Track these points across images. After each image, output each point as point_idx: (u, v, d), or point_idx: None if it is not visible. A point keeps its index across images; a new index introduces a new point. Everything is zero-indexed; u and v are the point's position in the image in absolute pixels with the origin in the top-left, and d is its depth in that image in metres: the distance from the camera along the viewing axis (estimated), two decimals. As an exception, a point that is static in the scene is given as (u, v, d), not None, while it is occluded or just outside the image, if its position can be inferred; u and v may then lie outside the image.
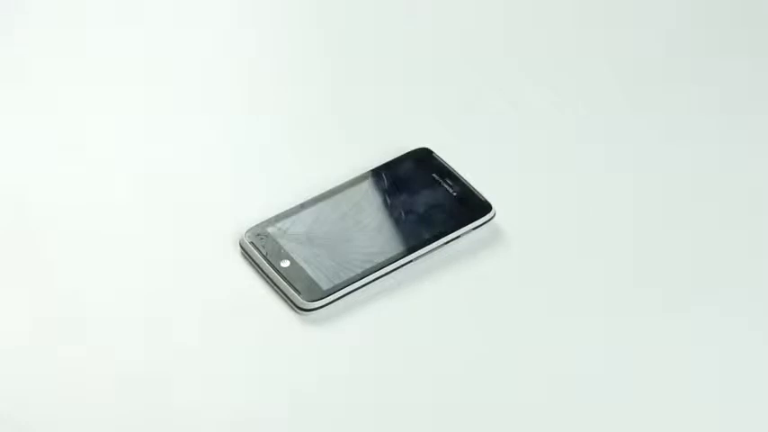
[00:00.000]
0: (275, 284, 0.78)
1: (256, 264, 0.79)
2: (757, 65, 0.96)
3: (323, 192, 0.84)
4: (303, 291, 0.78)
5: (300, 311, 0.77)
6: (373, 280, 0.79)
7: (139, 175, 0.86)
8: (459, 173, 0.85)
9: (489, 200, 0.83)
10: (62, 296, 0.78)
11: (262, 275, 0.79)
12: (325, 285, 0.78)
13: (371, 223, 0.82)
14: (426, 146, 0.87)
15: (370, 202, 0.84)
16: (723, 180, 0.87)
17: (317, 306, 0.77)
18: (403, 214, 0.83)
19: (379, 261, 0.79)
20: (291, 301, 0.78)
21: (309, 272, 0.79)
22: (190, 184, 0.85)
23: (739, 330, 0.78)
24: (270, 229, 0.81)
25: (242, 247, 0.80)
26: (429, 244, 0.81)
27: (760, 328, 0.79)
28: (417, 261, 0.80)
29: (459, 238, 0.82)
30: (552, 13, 1.00)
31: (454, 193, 0.84)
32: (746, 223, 0.85)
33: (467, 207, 0.83)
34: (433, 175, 0.85)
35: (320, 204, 0.83)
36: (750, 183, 0.87)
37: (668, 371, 0.76)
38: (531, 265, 0.81)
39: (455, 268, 0.81)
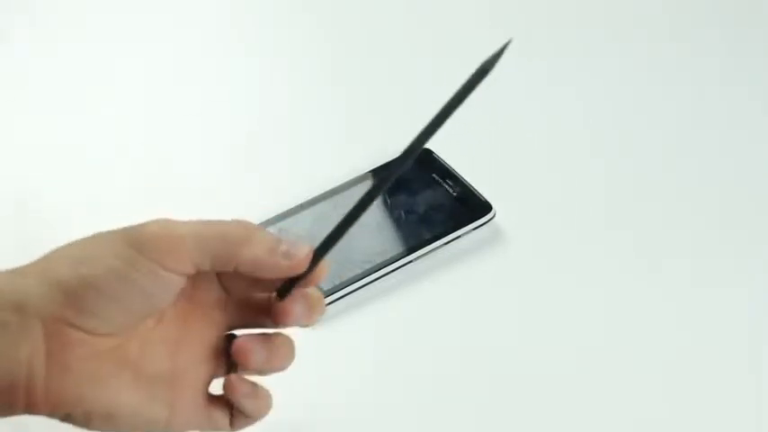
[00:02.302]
0: (275, 284, 0.78)
1: (256, 264, 0.79)
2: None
3: (323, 192, 0.84)
4: (303, 291, 0.77)
5: (300, 311, 0.77)
6: (373, 280, 0.79)
7: (139, 176, 0.86)
8: (459, 173, 0.85)
9: (489, 200, 0.83)
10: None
11: (262, 275, 0.79)
12: (325, 285, 0.78)
13: (372, 223, 0.82)
14: (426, 146, 0.87)
15: (370, 202, 0.84)
16: (725, 178, 0.87)
17: (317, 306, 0.77)
18: (403, 214, 0.83)
19: (380, 261, 0.79)
20: (291, 301, 0.77)
21: (309, 272, 0.79)
22: (190, 185, 0.85)
23: (741, 332, 0.78)
24: (270, 229, 0.81)
25: (242, 247, 0.80)
26: (429, 244, 0.81)
27: (762, 326, 0.79)
28: (417, 261, 0.80)
29: (460, 239, 0.82)
30: (554, 15, 1.00)
31: (454, 194, 0.84)
32: (749, 222, 0.85)
33: (467, 207, 0.83)
34: (434, 175, 0.85)
35: (320, 204, 0.83)
36: (755, 189, 0.87)
37: (669, 371, 0.76)
38: (531, 265, 0.81)
39: (455, 268, 0.81)
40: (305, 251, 0.58)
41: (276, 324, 0.60)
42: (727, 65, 0.97)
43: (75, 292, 0.54)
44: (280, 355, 0.61)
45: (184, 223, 0.57)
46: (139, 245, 0.55)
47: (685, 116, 0.92)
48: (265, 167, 0.88)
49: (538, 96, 0.93)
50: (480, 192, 0.84)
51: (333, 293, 0.77)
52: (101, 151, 0.88)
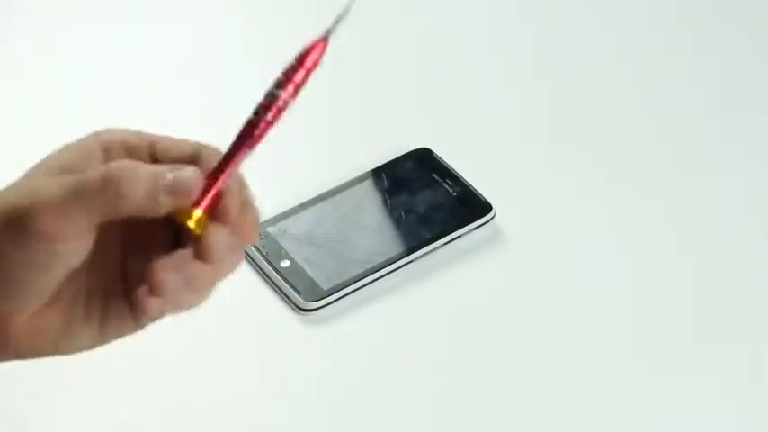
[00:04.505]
0: (275, 284, 0.78)
1: (256, 264, 0.79)
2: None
3: (323, 192, 0.84)
4: (303, 291, 0.78)
5: (300, 311, 0.77)
6: (373, 280, 0.79)
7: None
8: (459, 173, 0.85)
9: (489, 200, 0.83)
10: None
11: (262, 275, 0.79)
12: (325, 285, 0.78)
13: (372, 223, 0.82)
14: (426, 146, 0.87)
15: (370, 202, 0.84)
16: (723, 179, 0.87)
17: (317, 306, 0.77)
18: (403, 214, 0.83)
19: (380, 261, 0.79)
20: (291, 301, 0.77)
21: (309, 272, 0.79)
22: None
23: (742, 335, 0.78)
24: (270, 229, 0.81)
25: (242, 247, 0.80)
26: (429, 244, 0.81)
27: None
28: (417, 261, 0.80)
29: (460, 238, 0.82)
30: (552, 14, 1.00)
31: (454, 193, 0.84)
32: (749, 225, 0.85)
33: (467, 207, 0.83)
34: (433, 175, 0.85)
35: (320, 204, 0.83)
36: (755, 186, 0.87)
37: (668, 373, 0.76)
38: (531, 265, 0.81)
39: (455, 268, 0.81)
40: (189, 181, 0.53)
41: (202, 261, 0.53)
42: (728, 64, 0.97)
43: None
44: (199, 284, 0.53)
45: (50, 187, 0.51)
46: (20, 225, 0.50)
47: (686, 115, 0.92)
48: (265, 167, 0.87)
49: (538, 96, 0.93)
50: (480, 192, 0.84)
51: (333, 293, 0.77)
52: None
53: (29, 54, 0.95)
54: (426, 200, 0.84)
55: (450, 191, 0.84)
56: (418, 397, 0.74)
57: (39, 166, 0.56)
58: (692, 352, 0.77)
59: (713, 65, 0.96)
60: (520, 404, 0.74)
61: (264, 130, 0.56)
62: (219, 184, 0.55)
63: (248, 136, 0.56)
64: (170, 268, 0.52)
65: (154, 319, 0.55)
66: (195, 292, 0.53)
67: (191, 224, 0.53)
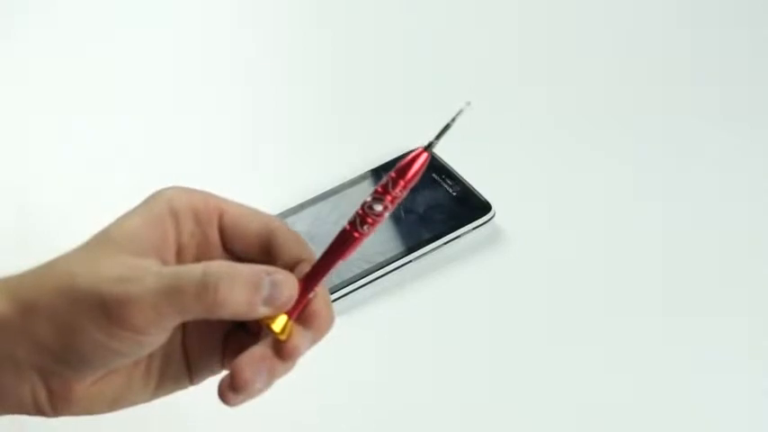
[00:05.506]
0: (275, 284, 0.78)
1: (256, 263, 0.79)
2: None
3: (323, 192, 0.84)
4: (303, 290, 0.77)
5: (300, 311, 0.77)
6: (373, 280, 0.79)
7: (139, 176, 0.86)
8: (459, 173, 0.85)
9: (489, 200, 0.83)
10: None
11: (262, 275, 0.79)
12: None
13: (371, 223, 0.82)
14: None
15: (370, 201, 0.84)
16: (724, 179, 0.87)
17: (316, 306, 0.77)
18: (403, 214, 0.83)
19: (380, 261, 0.79)
20: (291, 301, 0.77)
21: (309, 272, 0.79)
22: (189, 185, 0.85)
23: (741, 336, 0.78)
24: (270, 229, 0.81)
25: (242, 247, 0.80)
26: (429, 244, 0.81)
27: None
28: (417, 261, 0.80)
29: (459, 238, 0.82)
30: (551, 14, 1.00)
31: (454, 193, 0.84)
32: (750, 225, 0.85)
33: (467, 207, 0.83)
34: (433, 175, 0.85)
35: (320, 204, 0.83)
36: (756, 186, 0.87)
37: (668, 374, 0.76)
38: (531, 265, 0.81)
39: (455, 268, 0.81)
40: (287, 294, 0.53)
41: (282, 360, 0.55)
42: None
43: (62, 359, 0.52)
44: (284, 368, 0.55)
45: (145, 281, 0.52)
46: (112, 316, 0.51)
47: (685, 116, 0.92)
48: (265, 168, 0.88)
49: (538, 96, 0.93)
50: (480, 191, 0.84)
51: (333, 293, 0.77)
52: (101, 151, 0.88)
53: (29, 54, 0.95)
54: (426, 199, 0.84)
55: (450, 190, 0.84)
56: (418, 396, 0.74)
57: (109, 239, 0.55)
58: (693, 352, 0.77)
59: (713, 65, 0.97)
60: (520, 403, 0.74)
61: (359, 240, 0.55)
62: (310, 294, 0.55)
63: (343, 246, 0.55)
64: (255, 368, 0.54)
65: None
66: (271, 384, 0.55)
67: (276, 329, 0.54)
